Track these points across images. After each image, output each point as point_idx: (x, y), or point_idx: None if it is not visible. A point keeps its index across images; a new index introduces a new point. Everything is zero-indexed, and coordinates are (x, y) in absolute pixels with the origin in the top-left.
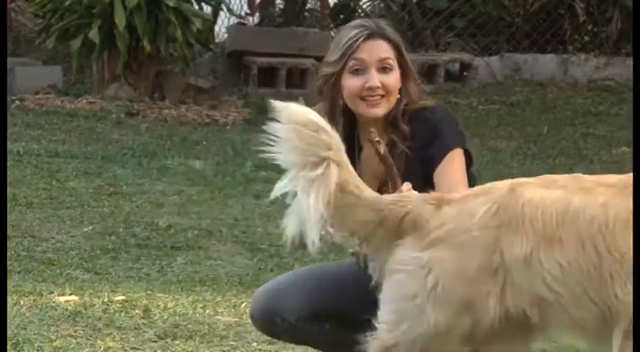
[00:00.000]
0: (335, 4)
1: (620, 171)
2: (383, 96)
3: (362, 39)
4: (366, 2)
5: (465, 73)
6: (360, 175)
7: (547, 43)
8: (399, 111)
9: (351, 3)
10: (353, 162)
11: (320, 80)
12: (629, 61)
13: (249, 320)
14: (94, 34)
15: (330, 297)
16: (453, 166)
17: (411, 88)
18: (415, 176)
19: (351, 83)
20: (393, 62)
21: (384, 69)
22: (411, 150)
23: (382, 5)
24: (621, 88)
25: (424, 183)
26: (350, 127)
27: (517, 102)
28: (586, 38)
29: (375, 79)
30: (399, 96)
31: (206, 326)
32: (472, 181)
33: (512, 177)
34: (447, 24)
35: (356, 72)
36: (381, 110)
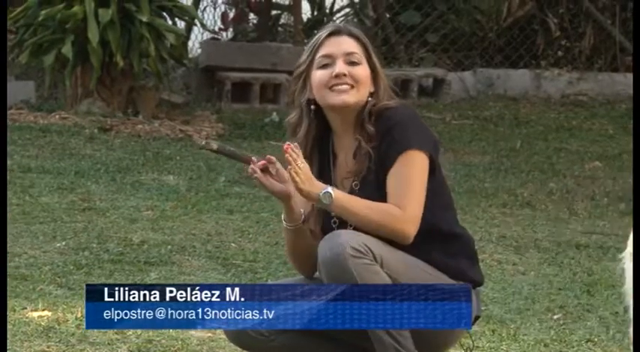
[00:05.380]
0: (308, 19)
1: (593, 185)
2: (352, 86)
3: (326, 34)
4: (339, 17)
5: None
6: (333, 182)
7: (520, 58)
8: (366, 112)
9: (324, 18)
10: (326, 168)
11: (292, 85)
12: (602, 76)
13: (223, 335)
14: (67, 50)
15: None
16: (404, 169)
17: (381, 90)
18: (378, 176)
19: (318, 76)
20: (360, 57)
21: (352, 63)
22: (374, 151)
23: (355, 20)
24: (593, 103)
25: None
26: (324, 133)
27: (490, 117)
28: (559, 53)
29: (341, 65)
30: (370, 98)
31: (179, 342)
32: (443, 184)
33: (486, 192)
34: (420, 39)
35: (324, 66)
36: (349, 97)
